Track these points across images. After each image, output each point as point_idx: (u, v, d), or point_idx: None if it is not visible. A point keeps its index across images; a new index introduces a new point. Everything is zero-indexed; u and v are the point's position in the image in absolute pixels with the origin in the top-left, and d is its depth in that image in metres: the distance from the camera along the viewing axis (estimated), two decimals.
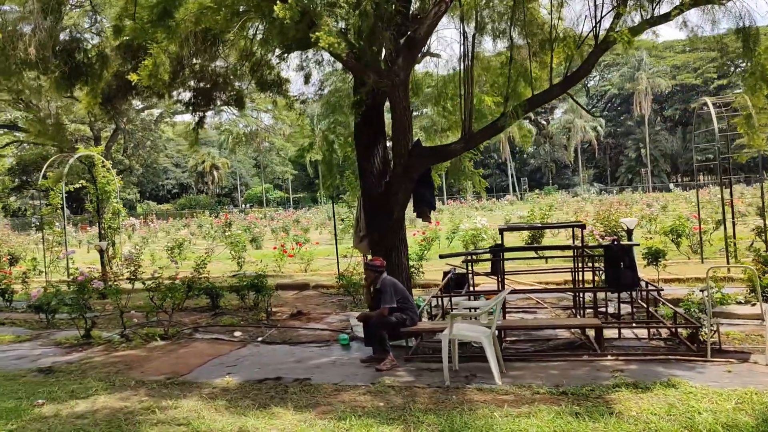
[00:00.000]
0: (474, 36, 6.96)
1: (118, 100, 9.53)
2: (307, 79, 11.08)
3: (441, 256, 8.69)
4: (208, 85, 10.95)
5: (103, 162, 15.72)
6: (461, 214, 32.48)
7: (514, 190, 70.78)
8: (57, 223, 17.42)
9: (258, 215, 44.26)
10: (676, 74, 72.27)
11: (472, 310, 6.76)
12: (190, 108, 10.66)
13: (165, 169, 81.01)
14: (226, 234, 26.95)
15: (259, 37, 7.79)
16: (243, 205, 75.22)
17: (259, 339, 8.36)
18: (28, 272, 14.74)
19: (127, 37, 6.89)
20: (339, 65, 10.48)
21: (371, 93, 6.52)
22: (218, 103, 10.98)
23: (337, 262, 12.81)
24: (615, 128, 77.47)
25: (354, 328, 8.13)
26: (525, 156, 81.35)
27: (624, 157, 76.65)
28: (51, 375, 7.09)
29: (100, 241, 16.21)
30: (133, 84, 8.11)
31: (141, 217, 50.70)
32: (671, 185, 60.92)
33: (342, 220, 13.11)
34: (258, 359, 7.40)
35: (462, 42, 7.07)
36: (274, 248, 16.46)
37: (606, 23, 6.81)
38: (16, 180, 65.60)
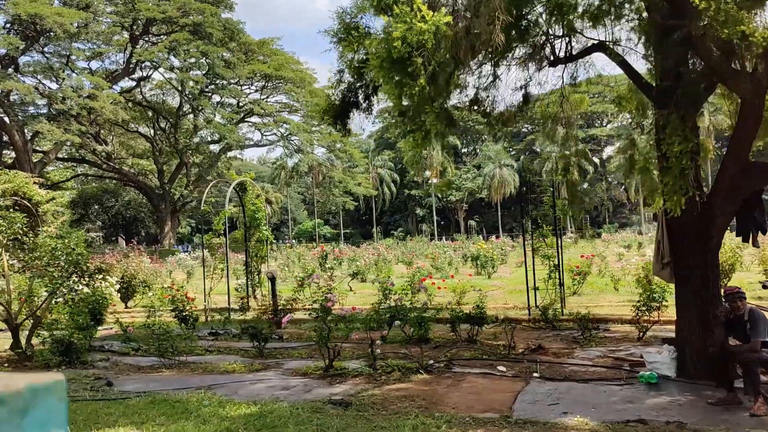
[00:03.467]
0: None
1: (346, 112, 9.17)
2: (526, 100, 10.58)
3: (765, 286, 7.94)
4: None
5: (254, 187, 15.37)
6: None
7: (578, 229, 68.72)
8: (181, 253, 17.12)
9: (328, 249, 43.51)
10: None
11: None
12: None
13: (217, 202, 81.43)
14: (327, 266, 26.49)
15: None
16: (293, 241, 74.76)
17: (536, 375, 7.60)
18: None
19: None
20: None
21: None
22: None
23: (527, 294, 12.05)
24: None
25: (652, 365, 7.31)
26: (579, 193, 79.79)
27: None
28: (350, 408, 6.42)
29: (247, 270, 15.72)
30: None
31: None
32: None
33: (534, 249, 12.35)
34: (571, 397, 6.65)
35: None
36: (423, 280, 15.74)
37: None
38: (76, 213, 66.64)
